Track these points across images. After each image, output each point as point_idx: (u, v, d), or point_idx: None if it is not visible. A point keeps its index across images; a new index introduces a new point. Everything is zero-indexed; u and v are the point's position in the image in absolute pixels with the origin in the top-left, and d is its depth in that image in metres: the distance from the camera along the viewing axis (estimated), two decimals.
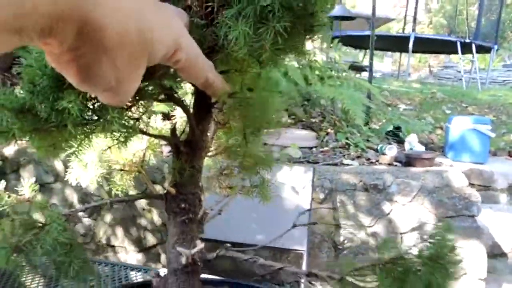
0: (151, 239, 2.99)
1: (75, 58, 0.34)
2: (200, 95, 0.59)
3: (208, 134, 0.65)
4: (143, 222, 2.94)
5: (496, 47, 8.97)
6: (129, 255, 3.04)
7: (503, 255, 3.47)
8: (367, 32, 6.82)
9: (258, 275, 2.95)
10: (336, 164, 3.12)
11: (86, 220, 3.07)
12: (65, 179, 0.71)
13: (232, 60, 0.62)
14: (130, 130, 0.52)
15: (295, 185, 2.61)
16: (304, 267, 2.48)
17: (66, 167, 0.82)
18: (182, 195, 0.62)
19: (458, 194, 2.82)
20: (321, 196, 2.85)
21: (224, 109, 0.61)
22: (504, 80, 11.33)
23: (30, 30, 0.30)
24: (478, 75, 8.65)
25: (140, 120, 0.57)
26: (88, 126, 0.55)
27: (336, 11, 7.46)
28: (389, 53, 15.41)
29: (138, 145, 0.74)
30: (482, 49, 9.03)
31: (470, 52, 8.73)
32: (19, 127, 0.55)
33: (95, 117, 0.54)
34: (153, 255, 2.99)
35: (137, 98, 0.53)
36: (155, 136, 0.63)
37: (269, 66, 0.66)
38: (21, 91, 0.54)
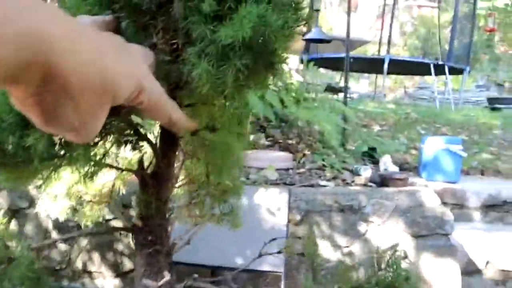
0: (127, 264, 2.96)
1: (39, 102, 0.36)
2: (166, 129, 0.62)
3: (175, 165, 0.67)
4: (119, 246, 2.91)
5: (468, 68, 9.25)
6: (106, 280, 3.00)
7: (477, 271, 3.53)
8: (343, 54, 6.98)
9: None
10: (312, 186, 3.15)
11: (62, 246, 3.02)
12: (36, 210, 0.72)
13: (197, 94, 0.64)
14: (96, 166, 0.53)
15: (271, 207, 2.64)
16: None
17: (40, 193, 0.82)
18: (149, 227, 0.64)
19: (431, 214, 2.88)
20: (298, 217, 2.87)
21: (188, 148, 0.64)
22: (477, 100, 11.65)
23: None
24: (451, 96, 8.88)
25: (107, 154, 0.58)
26: (55, 161, 0.57)
27: (313, 34, 7.62)
28: (366, 74, 15.72)
29: (107, 176, 0.76)
30: (455, 71, 9.30)
31: (444, 73, 8.98)
32: None
33: (62, 152, 0.55)
34: (130, 280, 2.95)
35: (104, 133, 0.55)
36: (122, 170, 0.64)
37: (234, 99, 0.69)
38: None
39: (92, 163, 0.54)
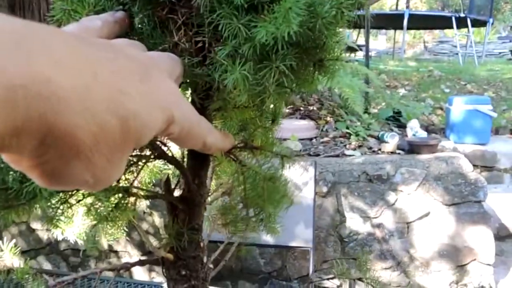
0: (153, 242, 2.93)
1: (38, 164, 0.26)
2: None
3: (207, 181, 0.57)
4: (144, 225, 2.87)
5: (491, 20, 8.84)
6: (133, 259, 2.98)
7: (510, 236, 3.43)
8: (361, 11, 6.67)
9: (265, 272, 2.90)
10: (337, 156, 3.05)
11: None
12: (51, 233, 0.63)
13: (231, 103, 0.53)
14: (118, 203, 0.44)
15: (297, 180, 2.55)
16: (311, 262, 2.43)
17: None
18: (181, 261, 0.54)
19: (464, 180, 2.76)
20: (324, 189, 2.78)
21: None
22: (500, 52, 11.21)
23: None
24: (474, 49, 8.53)
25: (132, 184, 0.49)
26: (67, 197, 0.47)
27: None
28: (383, 30, 15.23)
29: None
30: (477, 23, 8.90)
31: (465, 26, 8.60)
32: None
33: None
34: (156, 259, 2.93)
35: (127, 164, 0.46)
36: (148, 197, 0.55)
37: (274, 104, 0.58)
38: None
39: (116, 197, 0.45)
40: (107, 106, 0.27)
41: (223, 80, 0.48)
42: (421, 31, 14.62)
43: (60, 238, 0.65)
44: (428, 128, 4.17)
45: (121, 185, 0.47)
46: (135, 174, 0.48)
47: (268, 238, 2.56)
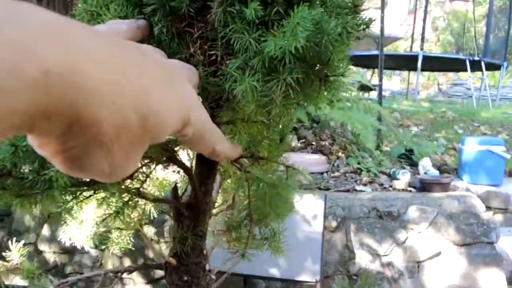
0: (159, 271, 2.91)
1: (63, 150, 0.28)
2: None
3: (213, 194, 0.59)
4: (151, 253, 2.86)
5: (506, 64, 8.89)
6: (137, 286, 2.96)
7: None
8: (375, 52, 6.80)
9: None
10: (348, 190, 3.04)
11: (93, 251, 3.00)
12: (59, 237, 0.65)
13: (240, 113, 0.56)
14: (129, 201, 0.46)
15: (306, 213, 2.53)
16: None
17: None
18: (184, 266, 0.55)
19: (476, 220, 2.72)
20: (334, 224, 2.76)
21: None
22: None
23: (1, 130, 0.24)
24: (488, 93, 8.55)
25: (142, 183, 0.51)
26: (80, 192, 0.49)
27: None
28: (397, 71, 15.38)
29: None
30: (491, 66, 8.95)
31: (479, 69, 8.66)
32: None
33: (86, 184, 0.48)
34: (161, 287, 2.91)
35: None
36: (155, 200, 0.56)
37: (280, 118, 0.60)
38: None
39: (124, 198, 0.46)
40: (132, 103, 0.29)
41: (233, 90, 0.51)
42: (435, 73, 14.73)
43: (68, 243, 0.67)
44: (440, 168, 4.14)
45: (133, 185, 0.49)
46: (146, 176, 0.50)
47: (275, 272, 2.53)
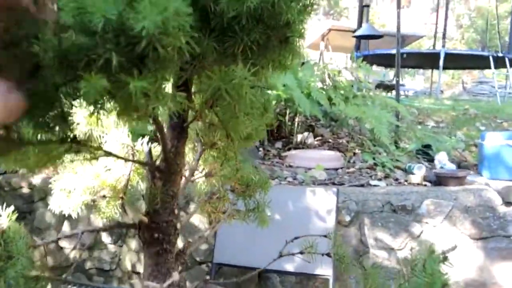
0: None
1: None
2: (173, 115, 0.56)
3: (191, 157, 0.61)
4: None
5: None
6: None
7: None
8: (395, 50, 6.72)
9: None
10: (362, 185, 3.02)
11: (112, 247, 3.07)
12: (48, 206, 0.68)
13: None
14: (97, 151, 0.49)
15: (319, 208, 2.54)
16: None
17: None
18: (155, 224, 0.58)
19: (493, 214, 2.68)
20: (347, 218, 2.75)
21: (207, 139, 0.58)
22: None
23: None
24: None
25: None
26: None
27: (363, 30, 7.42)
28: (421, 70, 15.17)
29: (122, 170, 0.71)
30: None
31: (504, 66, 8.47)
32: None
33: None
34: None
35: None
36: (132, 161, 0.59)
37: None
38: None
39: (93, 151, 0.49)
40: None
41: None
42: (460, 72, 14.47)
43: (57, 211, 0.70)
44: (460, 164, 4.07)
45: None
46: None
47: (288, 266, 2.54)
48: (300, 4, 0.54)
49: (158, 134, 0.73)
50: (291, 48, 0.56)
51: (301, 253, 1.21)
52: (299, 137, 4.06)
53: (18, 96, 0.39)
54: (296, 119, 4.12)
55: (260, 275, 2.81)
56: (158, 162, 0.60)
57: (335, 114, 4.34)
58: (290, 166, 3.39)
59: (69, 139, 0.53)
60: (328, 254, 2.34)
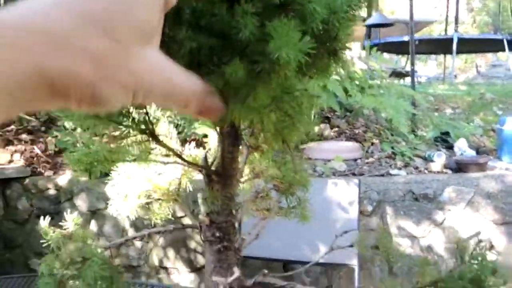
0: (201, 260, 3.03)
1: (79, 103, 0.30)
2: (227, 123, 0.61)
3: (239, 160, 0.66)
4: (192, 243, 2.98)
5: None
6: (182, 275, 3.08)
7: None
8: (407, 37, 6.71)
9: None
10: (382, 175, 3.05)
11: (138, 244, 3.14)
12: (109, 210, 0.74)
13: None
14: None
15: (341, 199, 2.57)
16: (356, 283, 2.42)
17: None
18: (216, 224, 0.63)
19: None
20: (369, 208, 2.79)
21: (252, 141, 0.62)
22: None
23: None
24: None
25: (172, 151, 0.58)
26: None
27: (374, 19, 7.39)
28: (433, 56, 15.03)
29: (174, 174, 0.76)
30: None
31: None
32: None
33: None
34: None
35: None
36: (189, 163, 0.64)
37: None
38: None
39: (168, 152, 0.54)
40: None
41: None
42: (473, 55, 14.32)
43: (115, 214, 0.76)
44: (479, 150, 4.07)
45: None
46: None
47: (314, 256, 2.59)
48: (350, 18, 0.58)
49: (208, 140, 0.78)
50: (339, 59, 0.60)
51: (351, 246, 1.26)
52: (316, 129, 4.08)
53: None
54: (312, 111, 4.14)
55: (285, 266, 2.86)
56: (213, 167, 0.65)
57: (350, 104, 4.35)
58: (309, 159, 3.42)
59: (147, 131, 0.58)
60: (351, 246, 2.38)
